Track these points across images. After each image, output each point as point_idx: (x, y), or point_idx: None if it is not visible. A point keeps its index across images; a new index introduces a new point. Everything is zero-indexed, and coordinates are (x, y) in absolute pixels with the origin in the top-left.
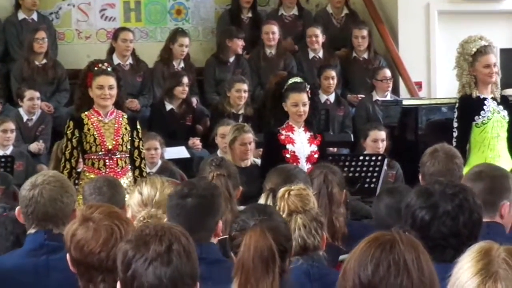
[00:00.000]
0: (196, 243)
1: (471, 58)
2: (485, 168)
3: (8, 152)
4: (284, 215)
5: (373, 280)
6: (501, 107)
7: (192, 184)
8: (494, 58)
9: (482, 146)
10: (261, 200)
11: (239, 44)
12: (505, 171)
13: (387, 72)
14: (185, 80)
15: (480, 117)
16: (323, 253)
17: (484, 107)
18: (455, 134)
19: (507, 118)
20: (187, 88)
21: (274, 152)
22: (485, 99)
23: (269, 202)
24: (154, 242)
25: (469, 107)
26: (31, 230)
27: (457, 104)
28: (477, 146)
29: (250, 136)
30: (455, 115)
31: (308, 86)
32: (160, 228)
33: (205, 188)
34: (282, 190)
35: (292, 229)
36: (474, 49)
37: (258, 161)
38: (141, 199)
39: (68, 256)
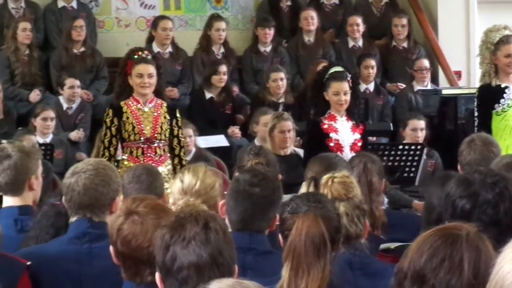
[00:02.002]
0: (247, 232)
1: (493, 47)
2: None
3: (48, 140)
4: None
5: (423, 269)
6: None
7: (262, 175)
8: None
9: (503, 134)
10: (303, 189)
11: (266, 33)
12: None
13: (424, 63)
14: (223, 68)
15: (500, 105)
16: (365, 241)
17: (504, 95)
18: (476, 123)
19: None
20: (224, 77)
21: (317, 141)
22: (506, 87)
23: (311, 190)
24: (190, 222)
25: (488, 95)
26: (72, 219)
27: (477, 93)
28: (498, 134)
29: (289, 124)
30: (475, 104)
31: (350, 75)
32: (195, 211)
33: (274, 180)
34: (325, 177)
35: None
36: (497, 38)
37: (298, 150)
38: (182, 187)
39: (112, 248)
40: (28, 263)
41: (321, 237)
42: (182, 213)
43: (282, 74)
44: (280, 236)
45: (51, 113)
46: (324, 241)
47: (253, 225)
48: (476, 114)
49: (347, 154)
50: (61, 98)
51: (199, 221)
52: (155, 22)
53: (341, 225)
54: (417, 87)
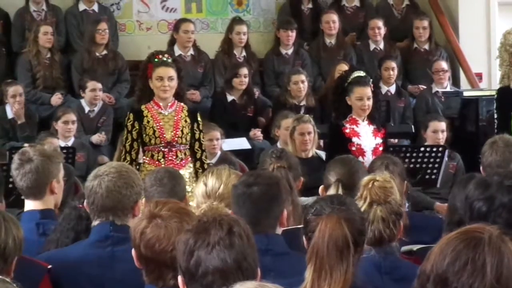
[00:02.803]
0: (263, 233)
1: (511, 49)
2: None
3: (70, 143)
4: (365, 204)
5: (446, 272)
6: None
7: (256, 173)
8: None
9: None
10: (332, 191)
11: (288, 36)
12: None
13: (441, 65)
14: (243, 71)
15: None
16: (396, 244)
17: None
18: (496, 125)
19: None
20: (245, 79)
21: (339, 145)
22: None
23: (340, 192)
24: (214, 227)
25: (507, 97)
26: (95, 222)
27: (496, 96)
28: None
29: (309, 126)
30: (494, 106)
31: (371, 79)
32: (218, 215)
33: (270, 176)
34: (366, 178)
35: (371, 220)
36: None
37: (320, 152)
38: (205, 191)
39: (134, 252)
40: (49, 266)
41: (344, 240)
42: (205, 218)
43: (303, 77)
44: (304, 238)
45: (72, 116)
46: (347, 244)
47: (260, 225)
48: (495, 116)
49: (369, 158)
50: (82, 101)
51: (223, 225)
52: (177, 25)
53: (365, 228)
54: (436, 89)
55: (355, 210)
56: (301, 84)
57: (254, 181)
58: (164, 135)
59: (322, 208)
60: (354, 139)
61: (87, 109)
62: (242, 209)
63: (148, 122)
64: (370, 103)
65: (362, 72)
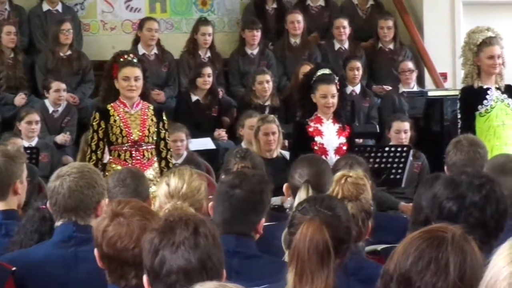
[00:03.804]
0: (233, 235)
1: (476, 48)
2: (506, 159)
3: (33, 143)
4: None
5: (409, 272)
6: (505, 95)
7: (244, 176)
8: (499, 50)
9: (488, 135)
10: (302, 193)
11: (254, 35)
12: None
13: (408, 65)
14: (207, 71)
15: (483, 106)
16: (362, 243)
17: (487, 96)
18: (459, 125)
19: None
20: (209, 79)
21: (303, 144)
22: (488, 88)
23: (310, 193)
24: (180, 227)
25: (471, 97)
26: (58, 223)
27: (459, 95)
28: (483, 135)
29: (273, 126)
30: (458, 106)
31: (337, 77)
32: (184, 215)
33: (256, 183)
34: (339, 174)
35: None
36: (480, 40)
37: (285, 152)
38: (168, 191)
39: (96, 251)
40: (13, 268)
41: (324, 245)
42: (172, 217)
43: (268, 77)
44: (287, 232)
45: (35, 117)
46: (328, 249)
47: (233, 228)
48: (459, 116)
49: (332, 158)
50: (46, 102)
51: (189, 225)
52: (141, 23)
53: (350, 238)
54: (403, 89)
55: (343, 218)
56: (266, 84)
57: (239, 184)
58: (131, 134)
59: (308, 209)
60: (317, 138)
61: (51, 109)
62: (219, 207)
63: (114, 121)
64: (334, 101)
65: (327, 70)
